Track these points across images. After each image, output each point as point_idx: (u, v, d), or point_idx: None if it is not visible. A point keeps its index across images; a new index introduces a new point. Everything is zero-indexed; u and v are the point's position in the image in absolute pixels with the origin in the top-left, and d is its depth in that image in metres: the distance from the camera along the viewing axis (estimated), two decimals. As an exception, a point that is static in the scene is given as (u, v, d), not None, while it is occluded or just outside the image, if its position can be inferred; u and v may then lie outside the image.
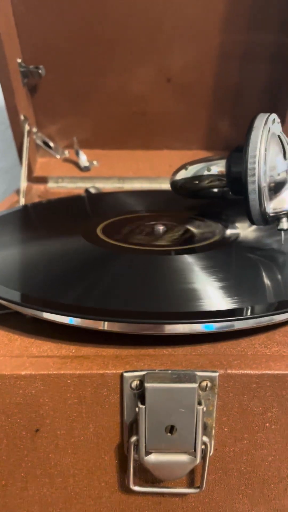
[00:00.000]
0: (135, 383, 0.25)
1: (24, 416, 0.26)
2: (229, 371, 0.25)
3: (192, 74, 0.60)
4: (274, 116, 0.37)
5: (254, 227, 0.41)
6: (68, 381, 0.25)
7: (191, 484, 0.28)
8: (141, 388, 0.25)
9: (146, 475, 0.28)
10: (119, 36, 0.57)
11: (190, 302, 0.29)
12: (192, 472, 0.27)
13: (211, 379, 0.25)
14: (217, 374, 0.25)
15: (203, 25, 0.56)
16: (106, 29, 0.56)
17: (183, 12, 0.55)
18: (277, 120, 0.37)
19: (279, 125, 0.38)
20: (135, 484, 0.27)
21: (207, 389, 0.25)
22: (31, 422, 0.26)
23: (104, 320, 0.27)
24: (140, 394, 0.25)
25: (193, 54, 0.59)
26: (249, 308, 0.28)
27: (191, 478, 0.28)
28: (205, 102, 0.63)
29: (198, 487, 0.27)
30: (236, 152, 0.38)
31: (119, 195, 0.58)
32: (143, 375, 0.25)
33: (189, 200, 0.47)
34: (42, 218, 0.49)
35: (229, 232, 0.41)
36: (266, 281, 0.32)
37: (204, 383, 0.25)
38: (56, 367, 0.26)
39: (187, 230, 0.42)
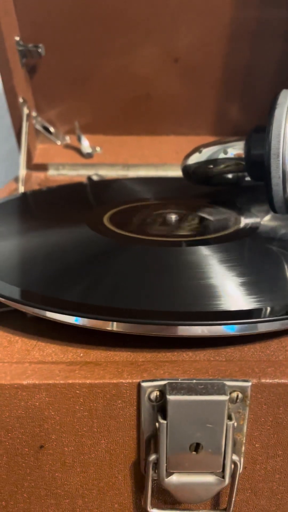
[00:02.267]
0: (154, 394, 0.22)
1: (27, 431, 0.23)
2: (263, 380, 0.22)
3: (199, 54, 0.57)
4: None
5: (273, 215, 0.38)
6: (77, 391, 0.22)
7: (216, 506, 0.25)
8: (161, 400, 0.22)
9: (165, 496, 0.24)
10: (122, 13, 0.53)
11: (207, 301, 0.25)
12: (217, 492, 0.24)
13: (243, 390, 0.22)
14: (249, 384, 0.22)
15: (212, 0, 0.52)
16: (108, 6, 0.52)
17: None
18: None
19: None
20: (152, 506, 0.24)
21: (238, 401, 0.22)
22: (35, 438, 0.23)
23: (114, 321, 0.24)
24: (160, 407, 0.22)
25: (201, 33, 0.55)
26: (274, 307, 0.25)
27: (216, 499, 0.25)
28: (213, 84, 0.60)
29: (224, 509, 0.24)
30: (257, 132, 0.34)
31: (124, 182, 0.55)
32: (164, 385, 0.22)
33: (199, 188, 0.44)
34: (42, 206, 0.45)
35: (246, 221, 0.38)
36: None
37: (234, 395, 0.22)
38: (63, 376, 0.22)
39: (202, 219, 0.38)
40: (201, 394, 0.21)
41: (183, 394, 0.21)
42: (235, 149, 0.36)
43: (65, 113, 0.61)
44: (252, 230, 0.35)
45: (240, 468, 0.23)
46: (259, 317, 0.24)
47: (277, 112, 0.30)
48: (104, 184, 0.55)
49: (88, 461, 0.24)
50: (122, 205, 0.42)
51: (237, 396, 0.22)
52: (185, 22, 0.54)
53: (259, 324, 0.24)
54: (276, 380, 0.22)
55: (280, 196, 0.31)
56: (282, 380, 0.22)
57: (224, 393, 0.21)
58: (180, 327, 0.24)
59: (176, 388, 0.21)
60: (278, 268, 0.30)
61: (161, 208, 0.41)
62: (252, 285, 0.27)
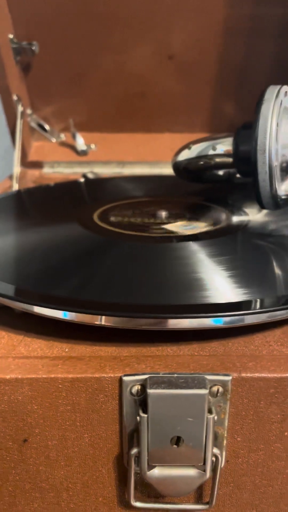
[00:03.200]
0: (136, 388, 0.22)
1: (10, 425, 0.23)
2: (243, 375, 0.22)
3: (194, 51, 0.57)
4: (286, 88, 0.33)
5: (263, 212, 0.38)
6: (60, 386, 0.22)
7: (199, 499, 0.25)
8: (142, 394, 0.22)
9: (149, 489, 0.25)
10: (117, 10, 0.53)
11: (195, 294, 0.25)
12: (200, 486, 0.24)
13: (223, 384, 0.22)
14: (230, 378, 0.22)
15: (207, -2, 0.53)
16: (103, 3, 0.52)
17: (185, -18, 0.51)
18: None
19: (293, 99, 0.34)
20: (136, 499, 0.24)
21: (219, 395, 0.22)
22: (18, 432, 0.23)
23: (101, 315, 0.24)
24: (142, 401, 0.22)
25: (195, 30, 0.55)
26: (262, 300, 0.25)
27: (199, 493, 0.25)
28: (208, 82, 0.60)
29: (207, 503, 0.24)
30: (244, 128, 0.34)
31: (118, 180, 0.55)
32: (145, 379, 0.22)
33: (192, 185, 0.44)
34: (36, 204, 0.45)
35: (236, 218, 0.38)
36: (280, 270, 0.29)
37: (215, 388, 0.22)
38: (45, 370, 0.22)
39: (192, 216, 0.38)
40: (181, 388, 0.21)
41: (164, 388, 0.21)
42: (224, 145, 0.36)
43: (60, 110, 0.61)
44: (242, 226, 0.35)
45: (221, 462, 0.23)
46: (247, 309, 0.24)
47: (263, 108, 0.30)
48: (97, 182, 0.55)
49: (71, 454, 0.24)
50: (113, 202, 0.42)
51: (218, 390, 0.22)
52: (179, 20, 0.54)
53: (246, 317, 0.24)
54: (256, 374, 0.22)
55: (267, 191, 0.31)
56: (262, 374, 0.22)
57: (204, 387, 0.21)
58: (168, 320, 0.24)
59: (157, 382, 0.22)
60: (266, 262, 0.30)
61: (152, 205, 0.41)
62: (240, 279, 0.27)
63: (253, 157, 0.30)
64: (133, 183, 0.53)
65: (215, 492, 0.24)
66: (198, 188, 0.46)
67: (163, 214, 0.38)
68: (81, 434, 0.23)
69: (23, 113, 0.56)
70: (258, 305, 0.25)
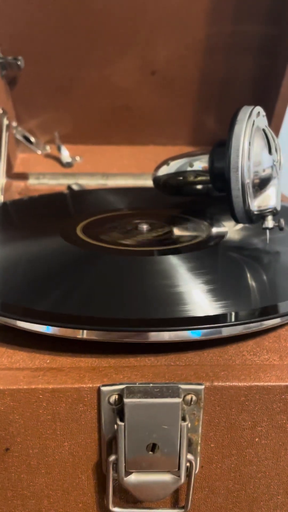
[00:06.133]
0: (113, 397, 0.23)
1: (-7, 434, 0.24)
2: (215, 384, 0.23)
3: (176, 67, 0.58)
4: (258, 109, 0.35)
5: (241, 225, 0.40)
6: (40, 396, 0.23)
7: (175, 504, 0.26)
8: (120, 403, 0.23)
9: (127, 495, 0.26)
10: (101, 26, 0.54)
11: (175, 308, 0.27)
12: (176, 491, 0.26)
13: (196, 393, 0.23)
14: (202, 387, 0.23)
15: (188, 16, 0.54)
16: (87, 19, 0.54)
17: (166, 1, 0.53)
18: (262, 113, 0.36)
19: (264, 119, 0.36)
20: (114, 504, 0.25)
21: (192, 403, 0.23)
22: (0, 441, 0.24)
23: (83, 329, 0.25)
24: (119, 410, 0.23)
25: (178, 46, 0.57)
26: (238, 313, 0.26)
27: (175, 498, 0.26)
28: (190, 96, 0.61)
29: (182, 507, 0.25)
30: (219, 146, 0.36)
31: (102, 192, 0.56)
32: (122, 389, 0.23)
33: (173, 198, 0.45)
34: (21, 216, 0.46)
35: (215, 231, 0.39)
36: (255, 284, 0.31)
37: (188, 397, 0.23)
38: (26, 381, 0.23)
39: (172, 229, 0.40)
40: (156, 397, 0.22)
41: (140, 397, 0.22)
42: (201, 162, 0.38)
43: (46, 123, 0.62)
44: (219, 239, 0.37)
45: (196, 467, 0.24)
46: (224, 322, 0.25)
47: (236, 128, 0.32)
48: (83, 194, 0.56)
49: (52, 462, 0.25)
50: (96, 215, 0.43)
51: (192, 398, 0.23)
52: (161, 36, 0.56)
53: (223, 329, 0.25)
54: (227, 383, 0.23)
55: (240, 207, 0.33)
56: (233, 383, 0.23)
57: (178, 396, 0.22)
58: (148, 333, 0.25)
59: (133, 392, 0.23)
60: (242, 276, 0.32)
61: (133, 217, 0.42)
62: (218, 292, 0.28)
63: (226, 175, 0.32)
64: (117, 195, 0.54)
65: (190, 497, 0.25)
66: (179, 201, 0.47)
67: (145, 227, 0.39)
68: (61, 442, 0.24)
69: (8, 126, 0.57)
70: (234, 318, 0.26)
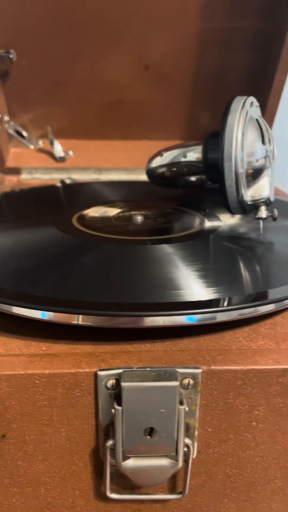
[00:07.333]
0: (110, 382, 0.23)
1: (-11, 421, 0.24)
2: (212, 367, 0.23)
3: (170, 61, 0.58)
4: (252, 99, 0.35)
5: (235, 216, 0.40)
6: (37, 381, 0.23)
7: (172, 489, 0.26)
8: (117, 387, 0.23)
9: (124, 481, 0.25)
10: (94, 20, 0.54)
11: (169, 292, 0.27)
12: (173, 476, 0.25)
13: (194, 376, 0.23)
14: (200, 370, 0.23)
15: (182, 10, 0.54)
16: (80, 13, 0.53)
17: (160, -5, 0.53)
18: (256, 103, 0.36)
19: (258, 109, 0.36)
20: (112, 491, 0.25)
21: (189, 387, 0.23)
22: (-3, 428, 0.24)
23: (77, 313, 0.25)
24: (117, 395, 0.23)
25: (171, 41, 0.57)
26: (232, 298, 0.26)
27: (173, 483, 0.26)
28: (184, 91, 0.61)
29: (180, 493, 0.25)
30: (212, 137, 0.36)
31: (96, 185, 0.56)
32: (119, 374, 0.23)
33: (167, 191, 0.45)
34: (14, 208, 0.46)
35: (209, 222, 0.39)
36: (248, 271, 0.31)
37: (186, 381, 0.23)
38: (22, 367, 0.23)
39: (166, 220, 0.40)
40: (153, 380, 0.22)
41: (137, 381, 0.22)
42: (195, 153, 0.38)
43: (38, 117, 0.62)
44: (213, 230, 0.37)
45: (193, 452, 0.24)
46: (218, 307, 0.25)
47: (229, 118, 0.32)
48: (76, 187, 0.56)
49: (49, 449, 0.25)
50: (91, 206, 0.43)
51: (189, 382, 0.23)
52: (155, 31, 0.56)
53: (217, 314, 0.25)
54: (225, 367, 0.23)
55: (234, 197, 0.33)
56: (230, 367, 0.23)
57: (176, 379, 0.22)
58: (142, 318, 0.25)
59: (131, 376, 0.23)
60: (236, 264, 0.32)
61: (128, 209, 0.42)
62: (212, 279, 0.28)
63: (220, 165, 0.32)
64: (110, 188, 0.54)
65: (187, 482, 0.25)
66: (172, 194, 0.47)
67: (139, 218, 0.39)
68: (58, 428, 0.24)
69: (0, 120, 0.57)
70: (229, 303, 0.26)
